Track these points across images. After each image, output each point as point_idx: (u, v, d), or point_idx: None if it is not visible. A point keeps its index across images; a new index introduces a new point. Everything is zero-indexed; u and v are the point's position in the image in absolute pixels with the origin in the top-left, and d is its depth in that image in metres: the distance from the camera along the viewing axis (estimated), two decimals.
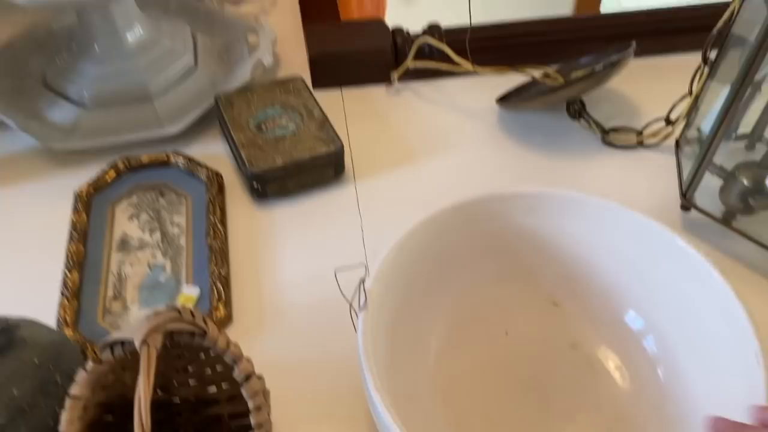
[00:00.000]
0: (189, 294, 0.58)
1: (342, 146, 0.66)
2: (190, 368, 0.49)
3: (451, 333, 0.54)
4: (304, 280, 0.60)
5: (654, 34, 0.77)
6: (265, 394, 0.45)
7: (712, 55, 0.62)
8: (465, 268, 0.55)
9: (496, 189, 0.54)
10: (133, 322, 0.42)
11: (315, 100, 0.70)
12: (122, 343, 0.42)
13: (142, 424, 0.37)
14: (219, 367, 0.49)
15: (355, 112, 0.76)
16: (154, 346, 0.40)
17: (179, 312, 0.44)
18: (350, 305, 0.47)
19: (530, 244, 0.55)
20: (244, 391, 0.43)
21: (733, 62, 0.60)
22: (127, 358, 0.44)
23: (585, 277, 0.54)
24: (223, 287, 0.58)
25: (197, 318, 0.44)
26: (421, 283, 0.53)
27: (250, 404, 0.43)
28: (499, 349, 0.54)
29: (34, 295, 0.59)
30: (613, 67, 0.67)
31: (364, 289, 0.47)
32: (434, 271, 0.53)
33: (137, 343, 0.40)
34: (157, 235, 0.63)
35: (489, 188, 0.54)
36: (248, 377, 0.43)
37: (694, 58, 0.65)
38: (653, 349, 0.51)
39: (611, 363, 0.52)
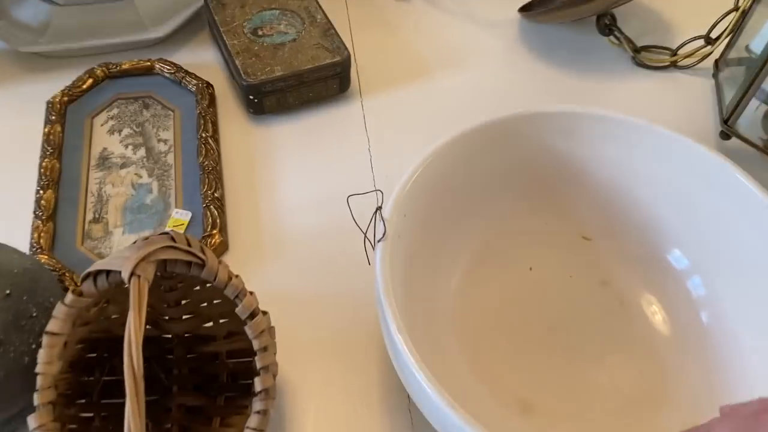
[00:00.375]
0: (179, 218, 0.52)
1: (348, 56, 0.59)
2: (183, 302, 0.44)
3: (472, 268, 0.49)
4: (307, 205, 0.55)
5: None
6: (271, 332, 0.40)
7: None
8: (489, 198, 0.49)
9: (526, 108, 0.48)
10: (120, 249, 0.36)
11: (318, 2, 0.63)
12: (107, 273, 0.36)
13: (133, 369, 0.31)
14: (216, 301, 0.44)
15: (360, 19, 0.68)
16: (146, 278, 0.35)
17: (173, 239, 0.38)
18: (365, 235, 0.42)
19: (562, 172, 0.49)
20: (248, 330, 0.38)
21: None
22: (113, 290, 0.38)
23: (623, 209, 0.49)
24: (217, 210, 0.52)
25: (194, 246, 0.38)
26: (442, 213, 0.47)
27: (255, 344, 0.38)
28: (523, 285, 0.49)
29: (2, 217, 0.52)
30: None
31: (383, 218, 0.42)
32: (456, 201, 0.48)
33: (126, 275, 0.34)
34: (142, 152, 0.56)
35: (511, 108, 0.48)
36: (253, 314, 0.38)
37: None
38: (698, 291, 0.46)
39: (645, 303, 0.48)
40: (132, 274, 0.34)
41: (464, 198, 0.48)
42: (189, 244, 0.38)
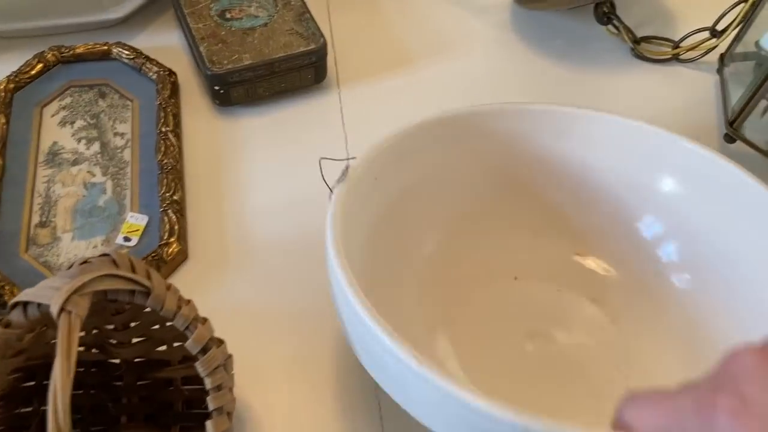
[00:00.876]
0: (135, 223, 0.47)
1: (325, 44, 0.54)
2: (132, 324, 0.39)
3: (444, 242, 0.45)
4: (276, 207, 0.50)
5: None
6: (228, 364, 0.36)
7: None
8: (460, 189, 0.46)
9: (510, 103, 0.45)
10: (51, 279, 0.32)
11: None
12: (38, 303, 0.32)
13: (58, 426, 0.27)
14: (170, 323, 0.39)
15: (340, 1, 0.63)
16: (78, 315, 0.30)
17: (114, 262, 0.33)
18: (330, 191, 0.38)
19: (549, 175, 0.46)
20: (199, 367, 0.34)
21: None
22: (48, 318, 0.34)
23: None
24: (176, 216, 0.47)
25: (138, 270, 0.34)
26: (416, 192, 0.44)
27: (208, 383, 0.34)
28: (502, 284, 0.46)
29: None
30: None
31: (348, 167, 0.39)
32: (430, 182, 0.44)
33: (55, 310, 0.30)
34: (96, 147, 0.51)
35: (499, 100, 0.45)
36: (205, 348, 0.34)
37: None
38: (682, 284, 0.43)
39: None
40: (61, 310, 0.30)
41: (440, 184, 0.44)
42: (133, 268, 0.34)
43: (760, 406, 0.21)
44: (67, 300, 0.30)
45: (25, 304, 0.32)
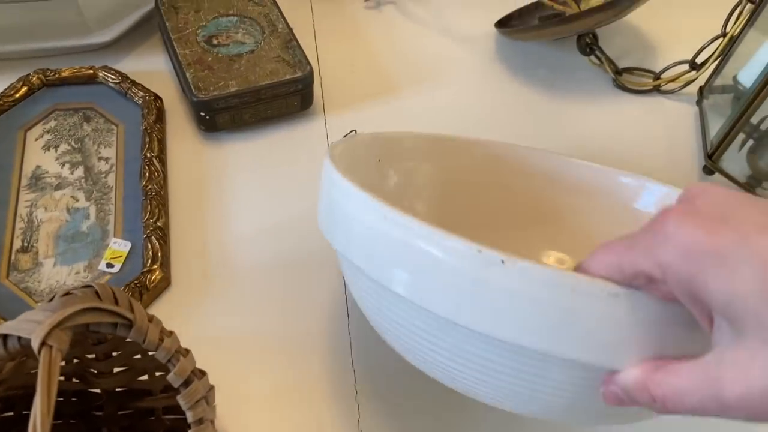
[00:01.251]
0: (118, 249, 0.47)
1: (311, 72, 0.54)
2: (114, 353, 0.39)
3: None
4: (260, 234, 0.50)
5: None
6: (210, 396, 0.36)
7: None
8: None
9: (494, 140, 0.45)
10: (33, 312, 0.32)
11: (279, 10, 0.58)
12: (18, 336, 0.32)
13: None
14: (152, 353, 0.39)
15: (326, 28, 0.63)
16: (59, 349, 0.30)
17: (97, 293, 0.33)
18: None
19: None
20: (181, 400, 0.33)
21: None
22: (28, 350, 0.33)
23: None
24: (159, 242, 0.47)
25: (121, 302, 0.34)
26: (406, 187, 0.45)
27: (189, 416, 0.33)
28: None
29: None
30: None
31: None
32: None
33: (36, 344, 0.30)
34: (80, 171, 0.51)
35: (483, 128, 0.46)
36: (187, 382, 0.34)
37: None
38: None
39: None
40: (42, 344, 0.30)
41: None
42: (116, 300, 0.34)
43: (705, 209, 0.24)
44: (48, 334, 0.30)
45: (5, 337, 0.32)
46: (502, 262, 0.27)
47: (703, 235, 0.23)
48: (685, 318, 0.26)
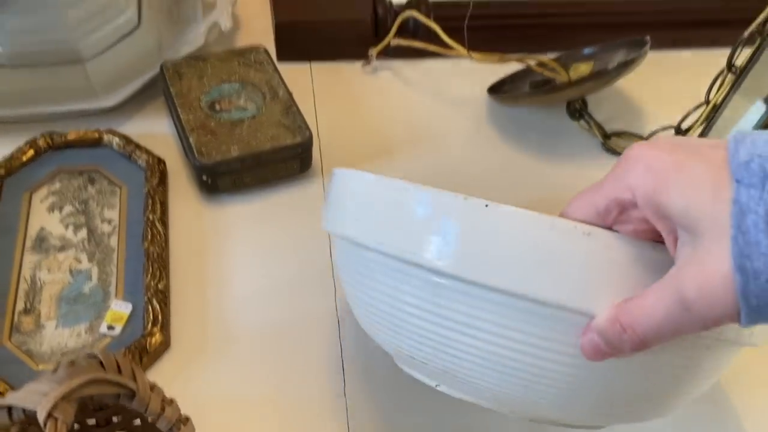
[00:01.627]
0: (119, 311, 0.48)
1: (310, 137, 0.56)
2: (114, 418, 0.40)
3: None
4: (260, 296, 0.51)
5: (665, 26, 0.69)
6: None
7: (739, 60, 0.55)
8: None
9: None
10: (38, 383, 0.33)
11: (280, 77, 0.60)
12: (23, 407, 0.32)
13: None
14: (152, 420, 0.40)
15: (325, 92, 0.65)
16: (64, 421, 0.31)
17: (101, 363, 0.34)
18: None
19: None
20: None
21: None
22: (33, 419, 0.34)
23: None
24: (160, 305, 0.48)
25: (124, 371, 0.34)
26: None
27: None
28: None
29: None
30: (625, 67, 0.58)
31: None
32: None
33: (42, 417, 0.31)
34: (83, 233, 0.52)
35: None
36: None
37: (711, 56, 0.58)
38: None
39: None
40: (48, 416, 0.30)
41: None
42: (119, 369, 0.35)
43: (661, 142, 0.28)
44: (54, 406, 0.31)
45: (10, 408, 0.33)
46: (486, 206, 0.30)
47: (664, 153, 0.27)
48: (659, 257, 0.28)
